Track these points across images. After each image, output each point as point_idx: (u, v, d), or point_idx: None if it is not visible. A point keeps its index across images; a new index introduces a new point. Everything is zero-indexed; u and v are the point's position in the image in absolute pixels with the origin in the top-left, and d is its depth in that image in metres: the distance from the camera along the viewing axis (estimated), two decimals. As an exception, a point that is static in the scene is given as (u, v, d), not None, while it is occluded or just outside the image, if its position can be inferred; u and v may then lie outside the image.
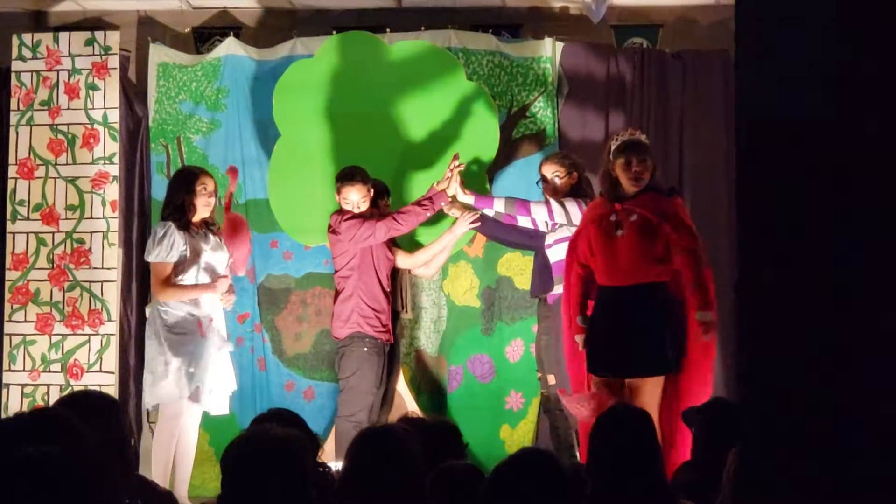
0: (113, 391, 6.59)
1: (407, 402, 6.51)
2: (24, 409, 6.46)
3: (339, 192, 6.12)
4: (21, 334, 6.90)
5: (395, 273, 6.34)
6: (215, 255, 5.96)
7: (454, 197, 6.22)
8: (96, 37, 7.07)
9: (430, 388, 6.88)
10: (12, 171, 7.01)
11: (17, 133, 7.03)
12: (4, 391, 6.87)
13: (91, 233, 6.93)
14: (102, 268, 6.90)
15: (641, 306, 5.22)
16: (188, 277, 5.85)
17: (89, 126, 6.99)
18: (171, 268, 5.81)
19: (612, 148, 5.37)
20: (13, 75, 7.06)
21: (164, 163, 7.08)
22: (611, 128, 6.80)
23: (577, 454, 5.79)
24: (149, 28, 7.45)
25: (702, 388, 5.19)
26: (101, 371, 6.83)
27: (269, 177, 6.86)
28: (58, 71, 7.04)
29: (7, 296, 6.93)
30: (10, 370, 6.87)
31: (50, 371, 6.86)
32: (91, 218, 6.93)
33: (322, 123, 6.80)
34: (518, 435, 6.76)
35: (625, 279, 5.26)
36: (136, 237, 7.06)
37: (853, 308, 1.74)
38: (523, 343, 6.77)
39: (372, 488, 2.94)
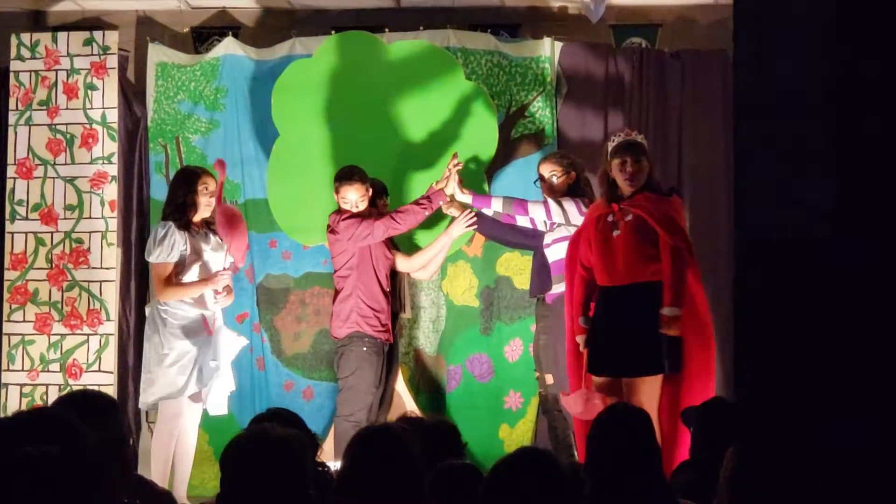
0: (112, 391, 6.59)
1: (406, 401, 6.51)
2: (23, 408, 6.46)
3: (337, 192, 6.12)
4: (20, 334, 6.90)
5: (393, 273, 6.34)
6: (216, 254, 5.96)
7: (452, 196, 6.23)
8: (95, 37, 7.07)
9: (428, 387, 6.88)
10: (11, 170, 7.02)
11: (15, 133, 7.03)
12: (3, 391, 6.88)
13: (90, 233, 6.93)
14: (101, 267, 6.90)
15: (636, 306, 5.24)
16: (189, 277, 5.85)
17: (88, 126, 6.99)
18: (172, 268, 5.81)
19: (609, 149, 5.41)
20: (12, 75, 7.06)
21: (163, 163, 7.08)
22: (609, 127, 6.80)
23: (576, 453, 5.79)
24: (147, 28, 7.45)
25: (702, 387, 5.19)
26: (99, 371, 6.83)
27: (267, 176, 6.86)
28: (56, 71, 7.04)
29: (6, 296, 6.93)
30: (8, 370, 6.88)
31: (49, 371, 6.86)
32: (90, 218, 6.93)
33: (321, 123, 6.80)
34: (517, 434, 6.76)
35: (621, 279, 5.29)
36: (134, 237, 7.07)
37: (852, 308, 1.74)
38: (522, 343, 6.77)
39: (370, 488, 2.94)
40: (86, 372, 6.83)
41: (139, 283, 7.02)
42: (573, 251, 5.55)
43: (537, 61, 6.96)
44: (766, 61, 1.80)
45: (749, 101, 1.82)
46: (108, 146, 6.98)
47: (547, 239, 6.03)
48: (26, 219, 6.98)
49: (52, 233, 6.96)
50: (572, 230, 5.88)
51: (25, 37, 7.10)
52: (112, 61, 7.02)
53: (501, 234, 6.35)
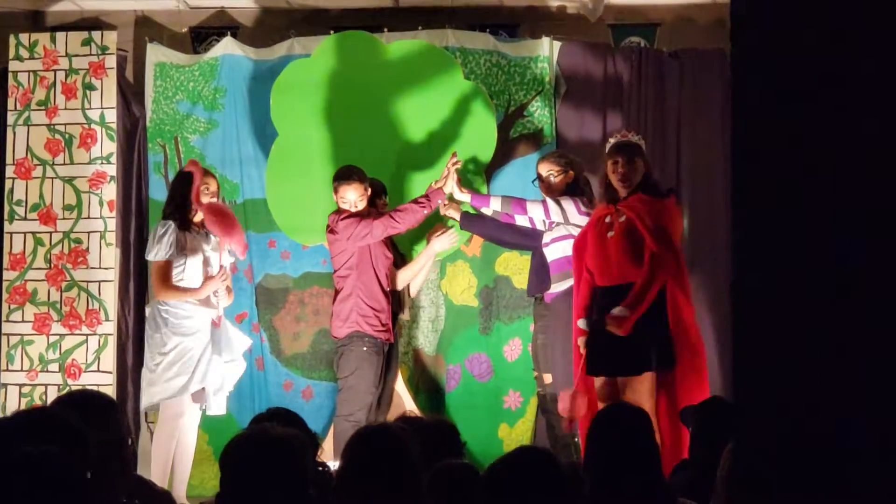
0: (111, 391, 6.59)
1: (405, 401, 6.51)
2: (22, 408, 6.45)
3: (336, 192, 6.11)
4: (19, 334, 6.90)
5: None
6: (216, 254, 5.96)
7: (451, 195, 6.24)
8: (93, 37, 7.07)
9: (428, 387, 6.88)
10: (10, 171, 7.02)
11: (14, 133, 7.03)
12: (2, 391, 6.88)
13: (88, 233, 6.93)
14: (100, 268, 6.90)
15: None
16: (189, 276, 5.85)
17: (86, 126, 6.99)
18: (171, 266, 5.81)
19: (606, 150, 5.48)
20: (10, 75, 7.06)
21: (162, 163, 7.08)
22: (608, 127, 6.80)
23: (574, 453, 5.79)
24: (146, 28, 7.45)
25: (697, 386, 5.21)
26: (98, 371, 6.83)
27: (266, 176, 6.86)
28: (55, 71, 7.04)
29: (4, 296, 6.93)
30: (7, 370, 6.88)
31: (48, 371, 6.86)
32: (88, 218, 6.93)
33: (320, 123, 6.80)
34: (516, 434, 6.76)
35: (614, 279, 5.35)
36: (133, 237, 7.06)
37: (851, 308, 1.74)
38: (521, 342, 6.77)
39: (369, 487, 2.94)
40: (85, 372, 6.83)
41: (138, 283, 7.02)
42: (579, 253, 5.58)
43: (536, 61, 6.96)
44: (765, 60, 1.80)
45: (747, 100, 1.82)
46: (107, 146, 6.98)
47: (546, 238, 6.03)
48: (25, 219, 6.98)
49: (50, 233, 6.96)
50: (571, 229, 5.89)
51: (24, 37, 7.10)
52: (111, 61, 7.02)
53: (499, 234, 6.36)
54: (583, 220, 5.86)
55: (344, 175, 6.10)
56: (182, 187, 5.92)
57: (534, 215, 6.02)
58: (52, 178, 6.98)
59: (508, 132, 6.92)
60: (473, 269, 6.92)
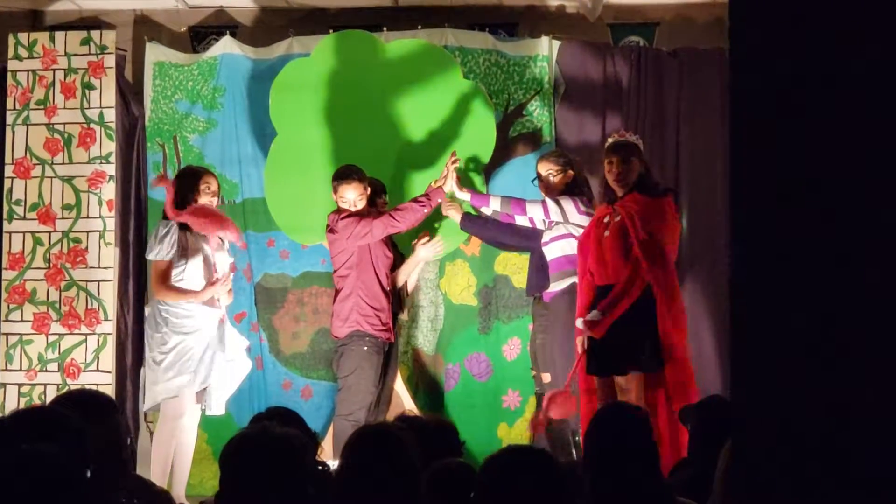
0: (110, 390, 6.59)
1: (404, 400, 6.51)
2: (21, 408, 6.45)
3: (335, 191, 6.11)
4: (18, 334, 6.90)
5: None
6: (217, 254, 5.96)
7: (452, 195, 6.25)
8: (92, 36, 7.07)
9: (427, 386, 6.88)
10: (9, 170, 7.02)
11: (13, 132, 7.03)
12: (1, 391, 6.88)
13: (87, 232, 6.93)
14: (99, 267, 6.90)
15: None
16: (190, 276, 5.85)
17: (85, 125, 6.99)
18: (171, 266, 5.81)
19: (604, 150, 5.53)
20: (9, 75, 7.06)
21: (161, 162, 7.08)
22: (607, 126, 6.80)
23: (574, 452, 5.80)
24: (145, 27, 7.45)
25: (685, 386, 5.24)
26: (97, 370, 6.83)
27: (265, 176, 6.86)
28: (54, 70, 7.04)
29: (3, 295, 6.93)
30: (6, 370, 6.88)
31: (47, 370, 6.86)
32: (87, 217, 6.93)
33: (319, 122, 6.80)
34: (515, 433, 6.76)
35: (609, 279, 5.39)
36: (132, 237, 7.06)
37: (851, 308, 1.74)
38: (520, 342, 6.77)
39: (368, 487, 2.94)
40: (84, 371, 6.83)
41: (137, 282, 7.02)
42: (583, 253, 5.61)
43: (535, 60, 6.97)
44: (763, 59, 1.80)
45: (745, 99, 1.82)
46: (106, 146, 6.98)
47: (545, 237, 6.04)
48: (24, 218, 6.98)
49: (49, 232, 6.96)
50: (571, 228, 5.90)
51: (23, 36, 7.10)
52: (109, 61, 7.02)
53: (499, 236, 6.37)
54: (583, 220, 5.87)
55: (343, 174, 6.10)
56: (182, 187, 5.91)
57: (534, 215, 6.03)
58: (52, 177, 6.98)
59: (507, 131, 6.92)
60: (473, 268, 6.92)
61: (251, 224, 6.97)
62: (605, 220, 5.45)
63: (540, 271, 6.10)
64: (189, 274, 5.85)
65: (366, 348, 6.01)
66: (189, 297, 5.81)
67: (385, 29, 7.02)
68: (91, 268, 6.89)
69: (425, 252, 6.45)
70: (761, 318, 1.78)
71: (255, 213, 6.95)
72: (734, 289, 1.82)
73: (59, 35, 7.11)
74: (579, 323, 5.49)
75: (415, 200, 6.19)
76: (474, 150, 6.71)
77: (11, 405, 6.72)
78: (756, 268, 1.79)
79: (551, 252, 5.98)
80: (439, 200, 6.21)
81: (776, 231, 1.78)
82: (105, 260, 6.90)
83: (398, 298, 6.43)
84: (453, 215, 6.35)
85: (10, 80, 7.05)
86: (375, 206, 6.28)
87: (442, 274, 6.92)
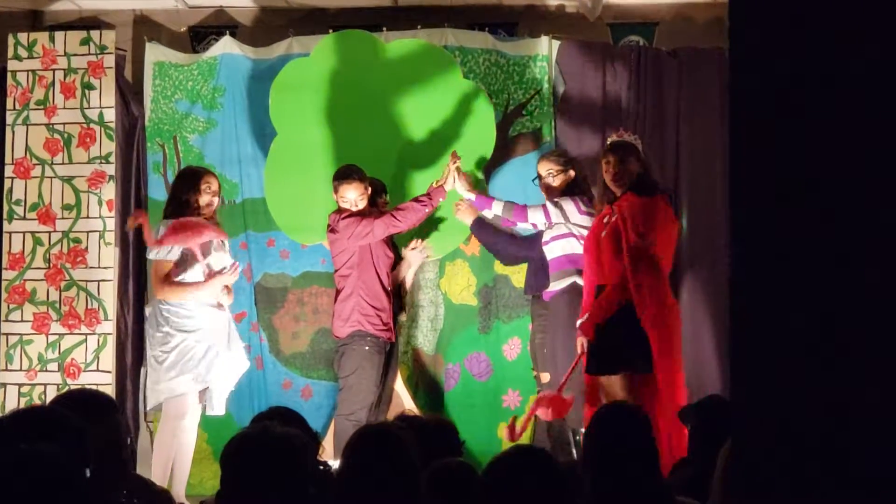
0: (110, 390, 6.59)
1: (404, 400, 6.51)
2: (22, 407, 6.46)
3: (336, 191, 6.11)
4: (18, 334, 6.90)
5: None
6: (217, 254, 5.95)
7: (454, 191, 6.26)
8: (92, 36, 7.07)
9: (427, 386, 6.88)
10: (8, 170, 7.02)
11: (13, 132, 7.03)
12: (1, 391, 6.88)
13: (87, 232, 6.93)
14: (99, 267, 6.90)
15: None
16: (191, 277, 5.85)
17: (85, 125, 6.99)
18: (171, 266, 5.81)
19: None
20: (9, 75, 7.06)
21: (161, 162, 7.08)
22: (607, 126, 6.79)
23: (574, 452, 5.81)
24: (145, 27, 7.45)
25: (671, 386, 5.26)
26: (97, 370, 6.83)
27: (265, 176, 6.86)
28: (54, 70, 7.04)
29: (3, 295, 6.93)
30: (6, 370, 6.88)
31: (47, 370, 6.86)
32: (87, 217, 6.93)
33: (319, 122, 6.80)
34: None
35: (605, 279, 5.42)
36: (132, 236, 7.05)
37: (850, 307, 1.74)
38: (521, 341, 6.77)
39: (369, 487, 2.94)
40: (84, 371, 6.83)
41: (137, 282, 7.02)
42: (587, 253, 5.65)
43: (535, 60, 6.96)
44: (762, 59, 1.80)
45: (745, 98, 1.82)
46: (106, 146, 6.98)
47: (546, 237, 6.04)
48: (24, 218, 6.98)
49: (49, 232, 6.96)
50: (573, 228, 5.90)
51: (23, 36, 7.10)
52: (109, 61, 7.01)
53: (504, 248, 6.41)
54: (584, 220, 5.87)
55: (344, 174, 6.10)
56: (183, 186, 5.91)
57: (535, 221, 6.04)
58: (51, 177, 6.98)
59: (507, 131, 6.92)
60: (472, 268, 6.92)
61: (251, 224, 6.97)
62: (605, 220, 5.47)
63: (539, 272, 6.10)
64: (190, 274, 5.84)
65: (367, 348, 6.01)
66: (192, 290, 5.80)
67: (385, 29, 7.02)
68: (91, 268, 6.89)
69: (414, 257, 6.46)
70: (761, 318, 1.78)
71: (255, 213, 6.95)
72: (734, 288, 1.82)
73: (59, 35, 7.11)
74: (579, 323, 5.51)
75: (416, 200, 6.19)
76: (474, 149, 6.70)
77: (11, 405, 6.73)
78: (756, 267, 1.79)
79: (552, 251, 5.98)
80: (441, 200, 6.21)
81: (776, 231, 1.78)
82: (105, 260, 6.90)
83: (399, 299, 6.43)
84: (465, 218, 6.37)
85: (9, 80, 7.05)
86: (376, 206, 6.28)
87: (442, 274, 6.92)
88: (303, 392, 6.91)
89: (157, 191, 6.99)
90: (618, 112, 6.92)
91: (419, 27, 7.00)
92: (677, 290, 6.60)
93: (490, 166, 6.81)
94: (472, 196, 6.24)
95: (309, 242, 6.87)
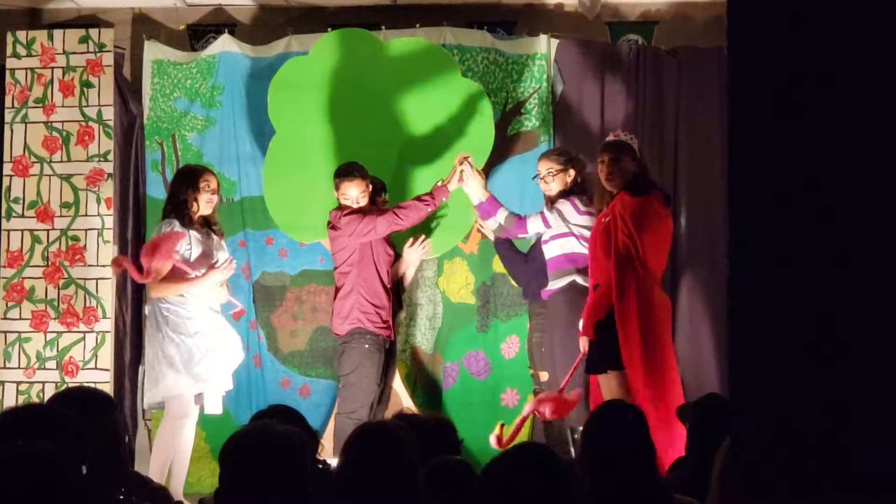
0: (108, 388, 6.60)
1: (402, 398, 6.51)
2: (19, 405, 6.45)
3: (337, 188, 6.10)
4: (16, 332, 6.90)
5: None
6: (216, 253, 5.95)
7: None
8: (91, 34, 7.07)
9: (425, 385, 6.88)
10: (7, 168, 7.02)
11: (11, 131, 7.03)
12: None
13: (86, 230, 6.93)
14: (97, 265, 6.90)
15: None
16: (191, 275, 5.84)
17: (84, 123, 6.99)
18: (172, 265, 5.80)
19: None
20: (8, 73, 7.07)
21: (159, 160, 7.08)
22: (606, 125, 6.79)
23: (572, 451, 5.81)
24: (143, 25, 7.44)
25: (659, 384, 5.27)
26: (96, 368, 6.83)
27: (264, 174, 6.86)
28: (52, 68, 7.04)
29: (2, 293, 6.93)
30: (5, 368, 6.88)
31: (45, 368, 6.86)
32: (86, 215, 6.93)
33: (317, 120, 6.79)
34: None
35: (598, 278, 5.45)
36: (130, 234, 7.06)
37: (850, 307, 1.74)
38: (519, 340, 6.77)
39: (367, 485, 2.94)
40: (82, 369, 6.83)
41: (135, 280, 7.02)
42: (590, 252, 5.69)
43: (534, 58, 6.96)
44: (761, 58, 1.80)
45: (743, 97, 1.82)
46: (105, 144, 6.98)
47: (545, 236, 6.03)
48: (22, 216, 6.98)
49: (48, 230, 6.96)
50: (573, 228, 5.89)
51: (21, 34, 7.10)
52: (108, 59, 7.02)
53: (519, 270, 6.41)
54: (584, 219, 5.87)
55: (346, 171, 6.09)
56: (183, 185, 5.91)
57: (534, 230, 6.04)
58: (50, 175, 6.98)
59: (506, 130, 6.92)
60: (471, 266, 6.91)
61: (249, 222, 6.97)
62: (604, 219, 5.48)
63: (539, 274, 6.09)
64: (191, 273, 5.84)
65: (367, 346, 6.01)
66: (187, 284, 5.78)
67: (383, 27, 7.02)
68: (89, 266, 6.89)
69: (413, 255, 6.45)
70: (760, 317, 1.78)
71: (254, 212, 6.95)
72: (732, 288, 1.82)
73: (58, 33, 7.11)
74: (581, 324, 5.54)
75: (419, 199, 6.17)
76: (473, 148, 6.69)
77: (10, 403, 6.73)
78: (755, 267, 1.79)
79: (551, 250, 5.97)
80: (444, 199, 6.19)
81: (775, 230, 1.78)
82: (103, 258, 6.90)
83: (397, 297, 6.43)
84: (488, 234, 6.43)
85: (8, 79, 7.05)
86: (375, 205, 6.27)
87: (440, 272, 6.92)
88: (301, 390, 6.91)
89: (156, 189, 6.98)
90: (616, 111, 6.92)
91: (418, 26, 7.00)
92: (676, 289, 6.62)
93: (488, 165, 6.80)
94: (482, 198, 6.21)
95: (307, 241, 6.86)
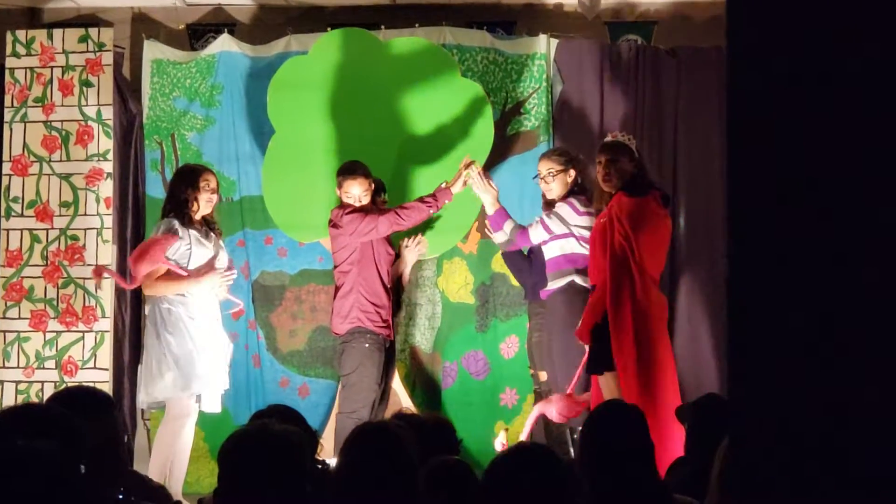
0: (107, 388, 6.59)
1: (402, 398, 6.51)
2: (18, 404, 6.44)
3: (340, 187, 6.10)
4: (15, 331, 6.90)
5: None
6: (216, 252, 5.94)
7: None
8: (90, 33, 7.07)
9: (424, 384, 6.88)
10: (6, 167, 7.01)
11: (11, 130, 7.03)
12: (-1, 388, 6.88)
13: (85, 229, 6.93)
14: (97, 264, 6.89)
15: None
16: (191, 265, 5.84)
17: (83, 123, 6.99)
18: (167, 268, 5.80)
19: None
20: (7, 72, 7.06)
21: (159, 159, 7.08)
22: (605, 125, 6.79)
23: (572, 451, 5.81)
24: (143, 25, 7.45)
25: (654, 384, 5.28)
26: (95, 368, 6.83)
27: (263, 173, 6.86)
28: (52, 68, 7.04)
29: (1, 293, 6.93)
30: (4, 367, 6.88)
31: (44, 368, 6.86)
32: (85, 215, 6.93)
33: (317, 120, 6.79)
34: (513, 431, 6.76)
35: (595, 279, 5.47)
36: (130, 234, 7.06)
37: (849, 307, 1.74)
38: (518, 340, 6.77)
39: (367, 484, 2.94)
40: (81, 369, 6.83)
41: (134, 280, 7.02)
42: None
43: (533, 58, 6.96)
44: (761, 58, 1.80)
45: (743, 97, 1.82)
46: (104, 143, 6.98)
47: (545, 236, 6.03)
48: (21, 216, 6.98)
49: (47, 230, 6.95)
50: (572, 228, 5.89)
51: (21, 34, 7.10)
52: (107, 58, 7.01)
53: (524, 279, 6.40)
54: (584, 220, 5.86)
55: (348, 170, 6.09)
56: (182, 184, 5.91)
57: (538, 239, 6.00)
58: (49, 174, 6.98)
59: (505, 129, 6.92)
60: (470, 266, 6.91)
61: (249, 222, 6.96)
62: (602, 220, 5.49)
63: (539, 275, 6.09)
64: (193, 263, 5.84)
65: (367, 345, 6.00)
66: (185, 283, 5.76)
67: (383, 27, 7.02)
68: (89, 265, 6.88)
69: (410, 254, 6.45)
70: (759, 317, 1.78)
71: (253, 211, 6.95)
72: (731, 288, 1.82)
73: (57, 32, 7.11)
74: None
75: (421, 200, 6.16)
76: (472, 148, 6.69)
77: (9, 402, 6.72)
78: (754, 267, 1.79)
79: (550, 251, 5.97)
80: (446, 202, 6.18)
81: (774, 230, 1.78)
82: (102, 257, 6.89)
83: (396, 296, 6.43)
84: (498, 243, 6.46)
85: (7, 78, 7.05)
86: (375, 205, 6.27)
87: (439, 272, 6.91)
88: (300, 390, 6.91)
89: (155, 188, 6.98)
90: (616, 111, 6.92)
91: (417, 25, 7.00)
92: (675, 289, 6.62)
93: (488, 165, 6.80)
94: (491, 210, 6.17)
95: (307, 240, 6.86)
